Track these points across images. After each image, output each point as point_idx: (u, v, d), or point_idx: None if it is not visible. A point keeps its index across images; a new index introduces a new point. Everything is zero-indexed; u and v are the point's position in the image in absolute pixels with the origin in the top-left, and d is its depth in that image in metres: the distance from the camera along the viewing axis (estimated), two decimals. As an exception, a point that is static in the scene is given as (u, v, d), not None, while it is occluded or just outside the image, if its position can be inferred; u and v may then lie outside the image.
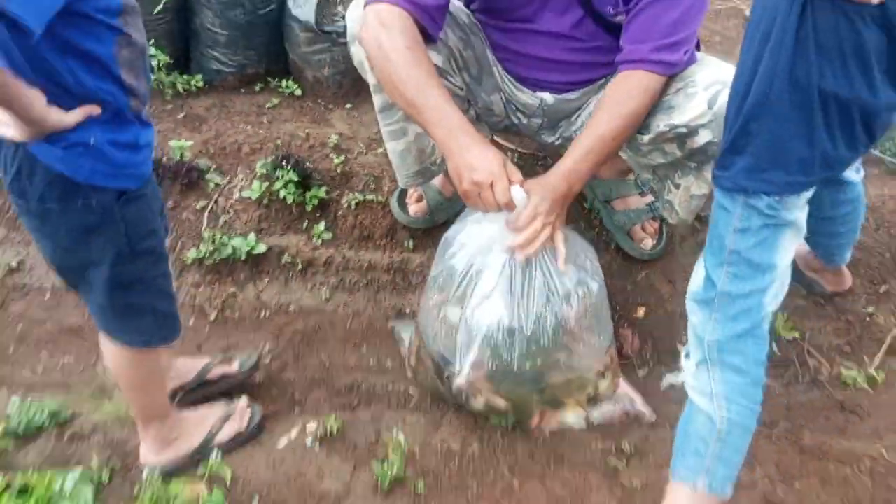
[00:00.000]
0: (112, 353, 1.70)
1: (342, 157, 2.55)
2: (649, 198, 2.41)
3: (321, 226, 2.48)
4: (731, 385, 1.51)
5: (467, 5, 2.15)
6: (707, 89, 1.87)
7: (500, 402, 1.93)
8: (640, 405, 2.06)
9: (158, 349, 1.72)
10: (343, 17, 2.61)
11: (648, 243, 2.41)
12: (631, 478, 1.88)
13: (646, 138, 1.99)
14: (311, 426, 1.98)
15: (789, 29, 1.33)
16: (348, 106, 2.83)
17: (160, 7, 2.70)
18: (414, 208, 2.45)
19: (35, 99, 1.30)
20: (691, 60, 1.93)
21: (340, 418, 2.00)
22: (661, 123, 1.94)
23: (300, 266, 2.46)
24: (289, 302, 2.42)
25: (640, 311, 2.32)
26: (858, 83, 1.36)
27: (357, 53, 2.05)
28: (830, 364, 2.23)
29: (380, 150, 2.59)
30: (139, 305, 1.62)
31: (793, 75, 1.35)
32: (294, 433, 1.97)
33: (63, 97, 1.34)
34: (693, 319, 1.57)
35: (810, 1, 1.30)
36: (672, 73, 1.91)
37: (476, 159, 1.73)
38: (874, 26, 1.31)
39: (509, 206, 1.73)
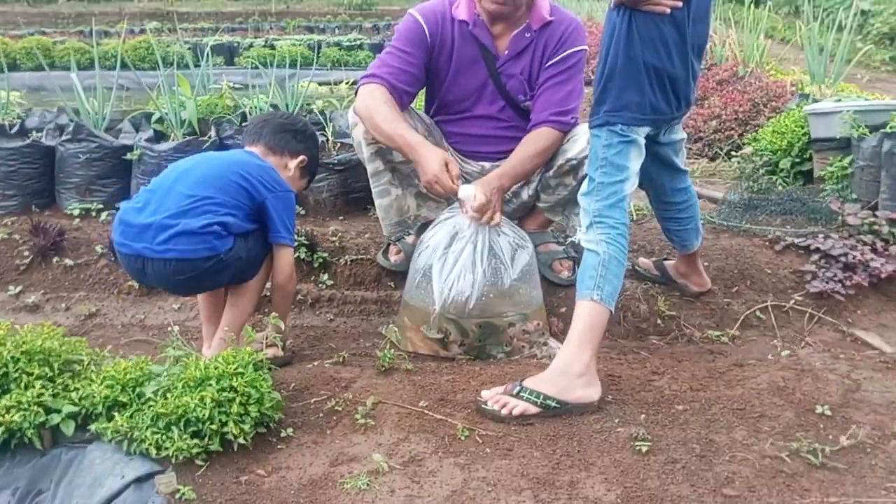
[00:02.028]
0: (242, 292, 2.67)
1: (338, 237, 3.49)
2: (562, 246, 3.37)
3: (325, 276, 3.37)
4: (608, 234, 2.35)
5: (427, 112, 3.25)
6: (584, 135, 2.93)
7: (468, 325, 2.73)
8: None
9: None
10: (336, 156, 3.75)
11: (564, 274, 3.31)
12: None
13: (551, 173, 3.03)
14: (328, 361, 2.72)
15: (623, 29, 2.34)
16: (341, 218, 3.80)
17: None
18: (395, 258, 3.35)
19: None
20: (576, 124, 3.01)
21: (348, 356, 2.75)
22: (559, 160, 2.99)
23: (310, 301, 3.31)
24: (302, 323, 3.24)
25: (562, 310, 3.15)
26: (664, 59, 2.36)
27: (356, 137, 3.10)
28: (700, 332, 3.06)
29: (367, 235, 3.54)
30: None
31: (627, 54, 2.35)
32: (316, 363, 2.70)
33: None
34: (583, 204, 2.43)
35: (632, 14, 2.34)
36: (565, 131, 2.98)
37: (426, 161, 2.72)
38: (670, 25, 2.34)
39: (454, 191, 2.69)
